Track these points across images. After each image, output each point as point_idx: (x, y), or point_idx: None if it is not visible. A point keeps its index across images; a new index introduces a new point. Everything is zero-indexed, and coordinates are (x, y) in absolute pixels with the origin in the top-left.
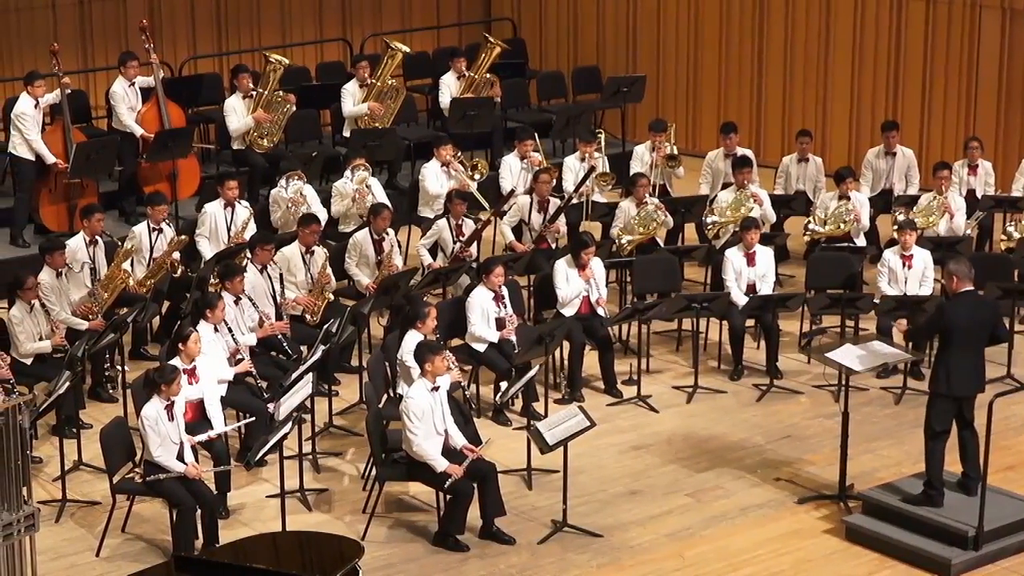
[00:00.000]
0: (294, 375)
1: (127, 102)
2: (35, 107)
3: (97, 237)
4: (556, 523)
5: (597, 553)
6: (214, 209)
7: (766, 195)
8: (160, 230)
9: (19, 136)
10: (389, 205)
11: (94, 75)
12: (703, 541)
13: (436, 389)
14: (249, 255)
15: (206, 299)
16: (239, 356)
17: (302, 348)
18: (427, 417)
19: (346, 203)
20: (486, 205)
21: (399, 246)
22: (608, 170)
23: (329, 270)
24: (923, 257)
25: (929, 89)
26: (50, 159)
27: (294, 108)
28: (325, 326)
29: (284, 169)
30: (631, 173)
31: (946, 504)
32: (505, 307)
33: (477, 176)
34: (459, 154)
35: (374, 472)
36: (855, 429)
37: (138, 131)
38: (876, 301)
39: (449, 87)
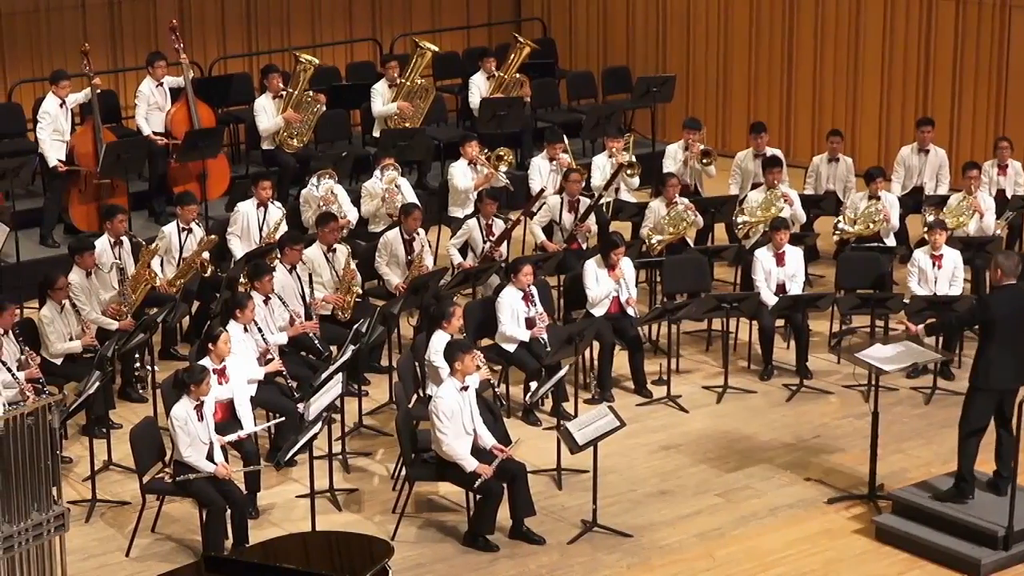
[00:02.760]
0: (324, 375)
1: (150, 102)
2: (60, 107)
3: (122, 238)
4: (586, 523)
5: (627, 553)
6: (247, 208)
7: (796, 195)
8: (190, 230)
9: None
10: (419, 205)
11: (124, 75)
12: (733, 541)
13: (465, 389)
14: (279, 254)
15: (236, 299)
16: (269, 356)
17: (332, 348)
18: (456, 417)
19: (376, 203)
20: (510, 186)
21: (429, 246)
22: (634, 160)
23: (353, 266)
24: (953, 257)
25: (959, 89)
26: (51, 162)
27: (324, 108)
28: (355, 326)
29: (314, 169)
30: (664, 172)
31: (976, 504)
32: (535, 305)
33: (504, 167)
34: (485, 150)
35: (404, 472)
36: (885, 429)
37: (147, 130)
38: (906, 301)
39: (479, 87)
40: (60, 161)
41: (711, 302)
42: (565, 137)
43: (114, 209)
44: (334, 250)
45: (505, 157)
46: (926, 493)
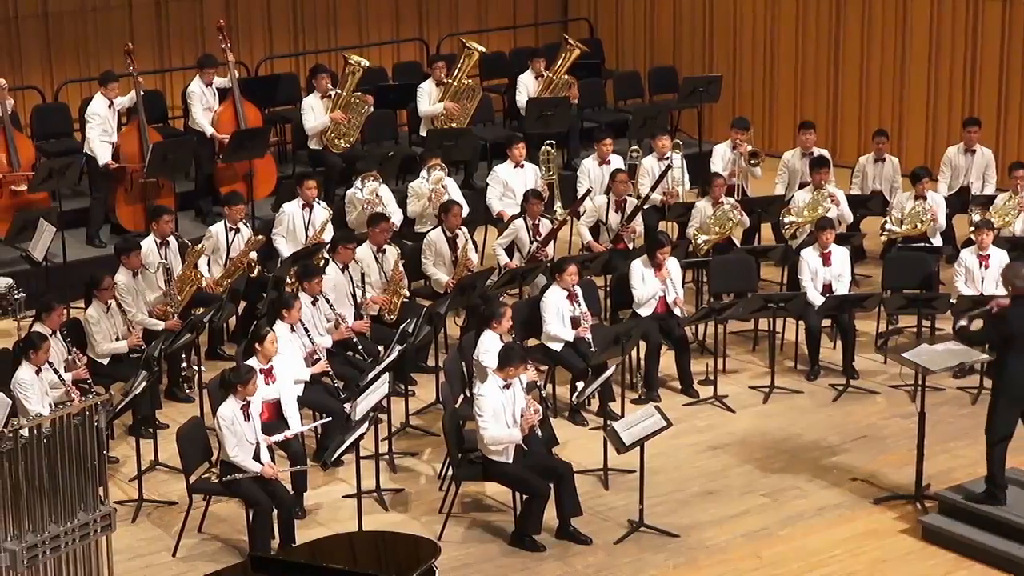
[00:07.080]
0: (371, 375)
1: (204, 102)
2: (109, 108)
3: (168, 238)
4: (632, 523)
5: (673, 553)
6: (292, 209)
7: (843, 195)
8: (237, 230)
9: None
10: (458, 201)
11: (170, 75)
12: (779, 541)
13: (508, 387)
14: (329, 254)
15: (283, 299)
16: (316, 356)
17: (379, 348)
18: (500, 416)
19: (422, 203)
20: (553, 173)
21: (473, 243)
22: (687, 182)
23: (402, 268)
24: (1000, 257)
25: (1005, 89)
26: (102, 160)
27: (372, 109)
28: (402, 326)
29: (361, 169)
30: (711, 172)
31: (1022, 504)
32: (579, 305)
33: (557, 209)
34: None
35: (450, 472)
36: (931, 429)
37: (208, 130)
38: (953, 301)
39: (527, 86)
40: (108, 161)
41: (758, 302)
42: (638, 155)
43: (160, 210)
44: (384, 251)
45: (558, 214)
46: (972, 493)
